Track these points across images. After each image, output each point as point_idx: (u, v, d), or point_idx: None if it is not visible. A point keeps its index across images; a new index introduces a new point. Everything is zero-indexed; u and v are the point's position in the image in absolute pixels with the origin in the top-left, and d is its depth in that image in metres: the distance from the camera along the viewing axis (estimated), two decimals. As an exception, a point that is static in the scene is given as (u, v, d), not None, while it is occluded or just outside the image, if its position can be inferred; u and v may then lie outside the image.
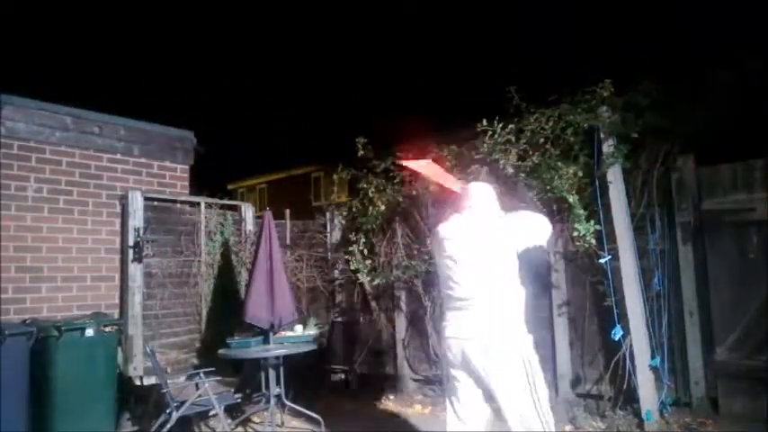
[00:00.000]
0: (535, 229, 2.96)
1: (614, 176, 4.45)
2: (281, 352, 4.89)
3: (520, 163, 4.77)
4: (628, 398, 4.38)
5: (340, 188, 7.85)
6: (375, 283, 5.92)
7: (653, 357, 4.32)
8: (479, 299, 2.84)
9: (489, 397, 2.86)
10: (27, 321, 4.44)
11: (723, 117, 4.26)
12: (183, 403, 4.24)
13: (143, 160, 5.88)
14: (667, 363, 4.39)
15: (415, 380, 5.80)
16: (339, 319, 6.46)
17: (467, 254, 2.89)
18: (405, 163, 3.94)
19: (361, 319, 6.30)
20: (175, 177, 6.17)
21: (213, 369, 4.52)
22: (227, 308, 5.87)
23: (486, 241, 2.87)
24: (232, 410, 4.96)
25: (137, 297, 5.43)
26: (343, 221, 6.53)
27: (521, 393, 2.70)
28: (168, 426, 4.15)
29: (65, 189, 5.27)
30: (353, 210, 6.19)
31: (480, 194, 3.06)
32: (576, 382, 4.82)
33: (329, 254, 6.61)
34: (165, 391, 4.27)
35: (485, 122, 4.89)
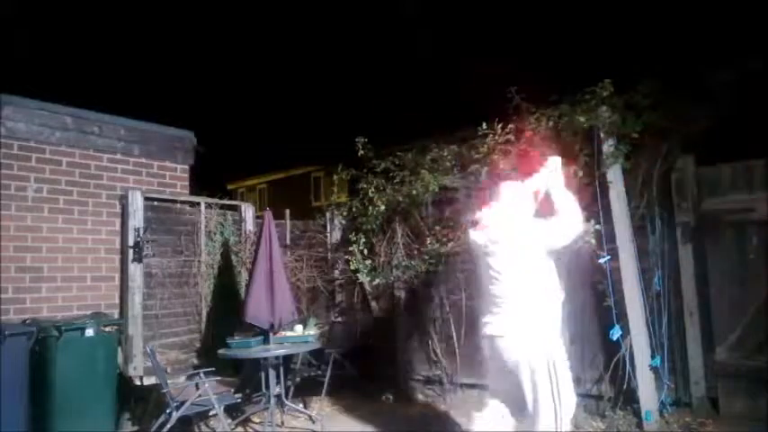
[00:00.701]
0: (557, 235, 3.00)
1: (614, 176, 4.45)
2: (281, 352, 4.90)
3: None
4: (628, 398, 4.38)
5: (340, 188, 7.86)
6: (375, 283, 5.92)
7: (653, 357, 4.32)
8: (515, 299, 2.94)
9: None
10: (27, 321, 4.45)
11: (723, 117, 4.25)
12: (183, 403, 4.24)
13: (143, 160, 5.88)
14: (667, 363, 4.39)
15: (415, 380, 5.79)
16: (339, 319, 6.46)
17: (503, 256, 2.97)
18: None
19: (361, 319, 6.30)
20: (175, 177, 6.18)
21: (213, 369, 4.53)
22: (227, 308, 5.87)
23: (521, 243, 2.95)
24: (232, 410, 4.96)
25: (137, 297, 5.43)
26: (343, 221, 6.53)
27: (542, 392, 2.82)
28: (168, 426, 4.15)
29: (65, 189, 5.27)
30: (353, 210, 6.19)
31: (513, 194, 3.12)
32: (576, 382, 4.80)
33: (329, 254, 6.61)
34: (165, 391, 4.27)
35: (485, 126, 4.91)
